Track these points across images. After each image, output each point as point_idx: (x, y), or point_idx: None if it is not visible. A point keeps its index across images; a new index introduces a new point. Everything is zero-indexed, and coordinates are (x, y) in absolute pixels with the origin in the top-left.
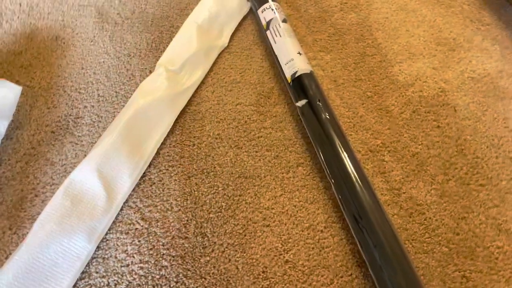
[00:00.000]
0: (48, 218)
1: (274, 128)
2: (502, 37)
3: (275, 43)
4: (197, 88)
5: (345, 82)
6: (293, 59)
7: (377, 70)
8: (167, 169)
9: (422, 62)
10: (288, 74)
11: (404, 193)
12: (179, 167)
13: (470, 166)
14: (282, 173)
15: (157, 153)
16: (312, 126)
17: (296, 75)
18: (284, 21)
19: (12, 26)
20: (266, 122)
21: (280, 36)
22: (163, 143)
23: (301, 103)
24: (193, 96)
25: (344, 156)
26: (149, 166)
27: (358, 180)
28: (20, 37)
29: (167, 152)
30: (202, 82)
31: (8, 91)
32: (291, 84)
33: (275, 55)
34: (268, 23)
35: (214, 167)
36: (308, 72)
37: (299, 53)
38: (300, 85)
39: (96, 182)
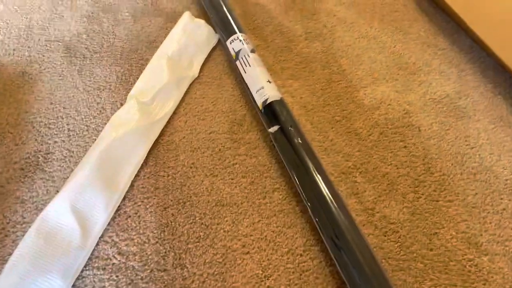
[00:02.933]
0: (20, 259)
1: (249, 155)
2: (457, 60)
3: (245, 72)
4: (169, 119)
5: (314, 108)
6: (263, 87)
7: (343, 95)
8: (142, 201)
9: (386, 86)
10: (259, 102)
11: (377, 212)
12: (154, 198)
13: (438, 184)
14: (259, 199)
15: (132, 185)
16: (286, 151)
17: (267, 102)
18: (252, 51)
19: None
20: (240, 149)
21: (250, 65)
22: (137, 175)
23: (273, 129)
24: (166, 126)
25: (318, 179)
26: (124, 199)
27: (333, 202)
28: None
29: (142, 184)
30: (175, 113)
31: None
32: (262, 111)
33: (246, 84)
34: (237, 54)
35: (190, 197)
36: (278, 99)
37: (268, 81)
38: (272, 112)
39: (70, 218)
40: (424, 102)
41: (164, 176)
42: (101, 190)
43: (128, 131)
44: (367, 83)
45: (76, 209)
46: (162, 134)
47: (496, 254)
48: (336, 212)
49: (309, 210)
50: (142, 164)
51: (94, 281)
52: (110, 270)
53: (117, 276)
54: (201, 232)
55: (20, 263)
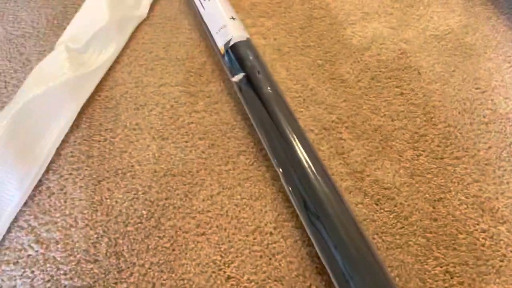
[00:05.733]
0: None
1: (208, 111)
2: None
3: (204, 8)
4: (108, 70)
5: (291, 51)
6: (225, 26)
7: (327, 34)
8: (70, 174)
9: (378, 22)
10: (220, 44)
11: (368, 176)
12: (86, 169)
13: (442, 137)
14: (220, 166)
15: (57, 154)
16: (252, 104)
17: (230, 43)
18: None
19: None
20: (198, 105)
21: (209, 0)
22: (64, 141)
23: (237, 77)
24: (104, 79)
25: (293, 137)
26: (47, 172)
27: (311, 166)
28: None
29: (71, 152)
30: (116, 62)
31: None
32: (224, 55)
33: (205, 23)
34: None
35: (132, 166)
36: (244, 39)
37: (232, 17)
38: (236, 56)
39: None
40: (424, 39)
41: (99, 141)
42: (15, 163)
43: (53, 86)
44: (355, 19)
45: None
46: (99, 88)
47: None
48: (314, 179)
49: (280, 177)
50: (71, 127)
51: (2, 279)
52: (24, 264)
53: (32, 272)
54: (144, 210)
55: None
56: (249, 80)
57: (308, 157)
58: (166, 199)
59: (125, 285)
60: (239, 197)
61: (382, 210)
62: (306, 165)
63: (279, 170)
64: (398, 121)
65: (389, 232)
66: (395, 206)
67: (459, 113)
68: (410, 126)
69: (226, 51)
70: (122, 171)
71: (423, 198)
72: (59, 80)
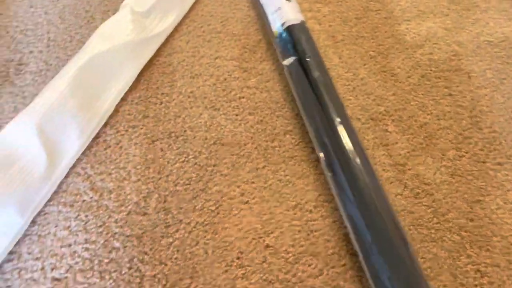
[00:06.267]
0: None
1: (259, 88)
2: None
3: None
4: (168, 37)
5: (345, 39)
6: (280, 8)
7: (381, 27)
8: (127, 130)
9: (433, 22)
10: (274, 26)
11: (409, 169)
12: (141, 128)
13: (486, 142)
14: (266, 142)
15: (116, 110)
16: (301, 87)
17: (284, 26)
18: None
19: None
20: (250, 81)
21: None
22: (123, 99)
23: (288, 61)
24: (163, 45)
25: (338, 124)
26: (105, 125)
27: (354, 154)
28: None
29: (128, 110)
30: (175, 30)
31: None
32: (277, 38)
33: (260, 4)
34: None
35: (185, 131)
36: (298, 22)
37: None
38: (288, 39)
39: (35, 142)
40: (477, 44)
41: (156, 104)
42: (76, 113)
43: (117, 45)
44: (410, 16)
45: (44, 132)
46: (157, 53)
47: None
48: (355, 167)
49: (321, 161)
50: (130, 87)
51: (58, 219)
52: (78, 208)
53: (86, 216)
54: (193, 173)
55: None
56: (299, 63)
57: (352, 145)
58: (214, 165)
59: (171, 239)
60: (282, 173)
61: (420, 204)
62: (349, 153)
63: (320, 155)
64: (444, 121)
65: (425, 225)
66: (433, 201)
67: (505, 120)
68: (456, 127)
69: (280, 33)
70: (175, 134)
71: (462, 197)
72: (123, 40)
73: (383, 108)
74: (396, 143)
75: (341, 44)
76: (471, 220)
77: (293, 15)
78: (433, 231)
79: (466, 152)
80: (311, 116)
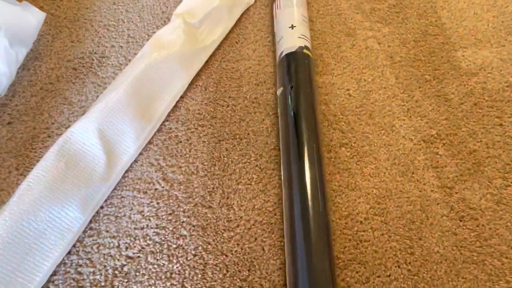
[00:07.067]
0: (37, 181)
1: (320, 100)
2: None
3: (276, 18)
4: (237, 44)
5: (402, 60)
6: (282, 37)
7: (438, 52)
8: (197, 129)
9: (489, 51)
10: (277, 56)
11: (456, 193)
12: (209, 128)
13: None
14: (323, 152)
15: (187, 109)
16: (282, 118)
17: (281, 56)
18: None
19: None
20: None
21: (280, 8)
22: (194, 99)
23: (279, 91)
24: (232, 52)
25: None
26: (177, 121)
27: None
28: None
29: (198, 110)
30: (244, 38)
31: (30, 16)
32: (277, 68)
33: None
34: None
35: (248, 134)
36: (294, 50)
37: (292, 26)
38: (282, 69)
39: (96, 144)
40: None
41: (223, 106)
42: (133, 118)
43: (171, 54)
44: (467, 43)
45: (104, 134)
46: (227, 59)
47: None
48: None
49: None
50: (201, 89)
51: (133, 203)
52: (151, 195)
53: (158, 203)
54: (255, 174)
55: (36, 186)
56: (283, 94)
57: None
58: (273, 169)
59: (231, 233)
60: (337, 183)
61: (464, 227)
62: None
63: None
64: (493, 150)
65: (468, 247)
66: (477, 226)
67: None
68: (504, 157)
69: (278, 63)
70: (239, 136)
71: (505, 225)
72: (176, 50)
73: (435, 131)
74: (446, 166)
75: (398, 65)
76: None
77: (291, 43)
78: (475, 254)
79: None
80: (285, 149)
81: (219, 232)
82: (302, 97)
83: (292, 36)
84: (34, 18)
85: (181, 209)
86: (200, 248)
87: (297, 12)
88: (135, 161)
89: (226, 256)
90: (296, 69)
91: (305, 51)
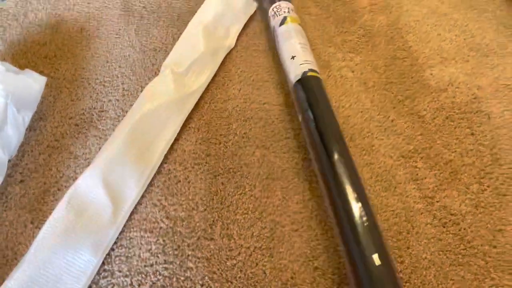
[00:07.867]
0: (51, 231)
1: (304, 129)
2: None
3: (281, 56)
4: (224, 85)
5: (376, 85)
6: (288, 71)
7: (408, 73)
8: (193, 167)
9: (455, 68)
10: (291, 89)
11: (437, 201)
12: (205, 165)
13: (506, 177)
14: (311, 176)
15: (183, 150)
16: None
17: (292, 86)
18: (282, 22)
19: (37, 17)
20: (295, 123)
21: (279, 42)
22: (189, 140)
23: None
24: (219, 93)
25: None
26: (175, 163)
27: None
28: (45, 27)
29: (193, 150)
30: (229, 79)
31: (33, 81)
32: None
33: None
34: (273, 29)
35: (241, 167)
36: (300, 77)
37: (292, 57)
38: (294, 97)
39: (101, 192)
40: (496, 87)
41: (216, 144)
42: (133, 165)
43: (163, 103)
44: (434, 62)
45: (108, 183)
46: (215, 100)
47: None
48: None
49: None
50: (194, 129)
51: (141, 243)
52: (157, 233)
53: (163, 240)
54: (250, 204)
55: (50, 236)
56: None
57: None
58: (267, 197)
59: (234, 261)
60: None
61: (448, 232)
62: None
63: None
64: (467, 158)
65: (453, 251)
66: (459, 230)
67: None
68: (478, 164)
69: (292, 94)
70: (233, 170)
71: (485, 227)
72: (167, 98)
73: (412, 146)
74: (425, 178)
75: (372, 89)
76: (494, 247)
77: (295, 72)
78: (460, 256)
79: (488, 186)
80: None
81: (222, 261)
82: (314, 119)
83: (295, 65)
84: (36, 83)
85: (186, 244)
86: (206, 278)
87: (295, 42)
88: (139, 203)
89: (231, 283)
90: (306, 93)
91: (309, 73)
